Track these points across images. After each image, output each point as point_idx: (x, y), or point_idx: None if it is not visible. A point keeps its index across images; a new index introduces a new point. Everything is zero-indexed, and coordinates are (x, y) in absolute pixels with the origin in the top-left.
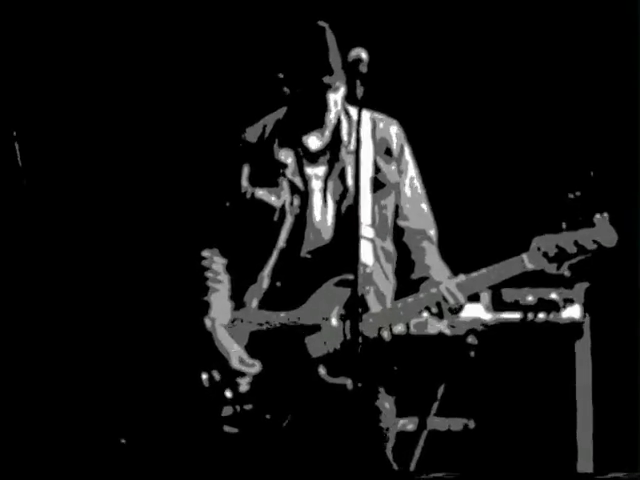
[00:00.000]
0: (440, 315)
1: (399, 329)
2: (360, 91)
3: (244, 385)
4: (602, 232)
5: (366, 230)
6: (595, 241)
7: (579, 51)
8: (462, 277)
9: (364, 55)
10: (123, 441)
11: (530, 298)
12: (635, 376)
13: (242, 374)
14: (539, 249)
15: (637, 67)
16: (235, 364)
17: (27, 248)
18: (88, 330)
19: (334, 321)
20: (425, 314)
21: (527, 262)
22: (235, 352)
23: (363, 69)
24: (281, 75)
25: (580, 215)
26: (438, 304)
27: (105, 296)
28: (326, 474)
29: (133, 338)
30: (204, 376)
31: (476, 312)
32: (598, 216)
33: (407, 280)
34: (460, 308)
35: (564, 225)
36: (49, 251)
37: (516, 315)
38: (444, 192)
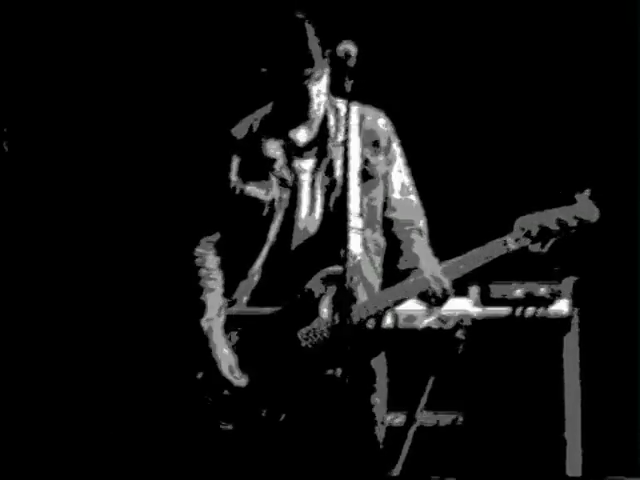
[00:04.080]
0: (428, 302)
1: (387, 321)
2: (348, 85)
3: (239, 381)
4: (583, 208)
5: (355, 221)
6: (576, 217)
7: (569, 38)
8: (446, 263)
9: (352, 49)
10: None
11: (518, 292)
12: (625, 371)
13: (227, 384)
14: (522, 229)
15: (636, 63)
16: (224, 371)
17: (19, 243)
18: (82, 330)
19: (325, 312)
20: (413, 303)
21: (511, 243)
22: (226, 359)
23: (351, 63)
24: (264, 70)
25: (561, 193)
26: (425, 291)
27: (98, 296)
28: (320, 468)
29: (127, 337)
30: (199, 375)
31: (464, 306)
32: (579, 193)
33: (395, 271)
34: (447, 295)
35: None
36: (38, 249)
37: (504, 310)
38: (431, 182)
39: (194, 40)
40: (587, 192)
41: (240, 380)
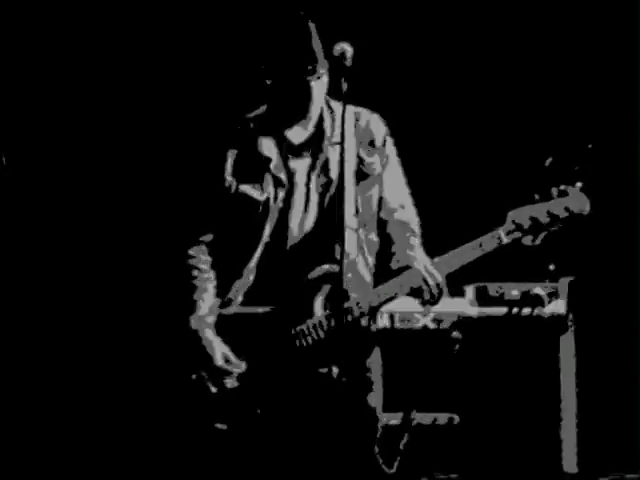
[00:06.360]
0: (422, 298)
1: (383, 322)
2: (345, 86)
3: (231, 382)
4: (574, 200)
5: (350, 220)
6: (567, 209)
7: (566, 34)
8: (439, 257)
9: (349, 49)
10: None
11: (515, 293)
12: (620, 370)
13: (228, 373)
14: (514, 222)
15: (636, 59)
16: (220, 363)
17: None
18: (73, 329)
19: (319, 310)
20: (410, 302)
21: (503, 236)
22: (220, 351)
23: (348, 63)
24: (263, 67)
25: (553, 186)
26: (419, 287)
27: (90, 295)
28: (316, 468)
29: (120, 337)
30: (193, 376)
31: (461, 306)
32: (570, 187)
33: (389, 270)
34: (441, 290)
35: (537, 197)
36: (30, 248)
37: (501, 310)
38: (425, 180)
39: (193, 38)
40: (578, 185)
41: (239, 367)
